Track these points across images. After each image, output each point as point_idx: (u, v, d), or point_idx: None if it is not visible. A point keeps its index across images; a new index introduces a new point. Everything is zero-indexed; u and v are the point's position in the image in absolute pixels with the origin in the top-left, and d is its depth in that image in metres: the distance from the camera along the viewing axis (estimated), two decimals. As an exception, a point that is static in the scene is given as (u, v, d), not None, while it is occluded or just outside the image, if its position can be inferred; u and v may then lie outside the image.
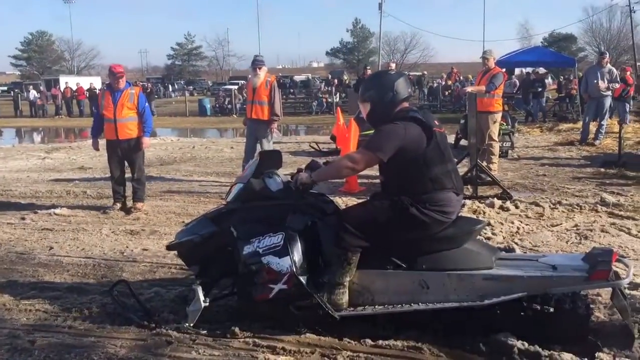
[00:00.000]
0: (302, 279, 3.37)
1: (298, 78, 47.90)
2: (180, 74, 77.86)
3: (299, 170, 3.59)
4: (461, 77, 30.09)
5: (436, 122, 3.45)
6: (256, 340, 3.34)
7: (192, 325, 3.53)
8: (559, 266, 3.24)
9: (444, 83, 29.31)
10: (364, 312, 3.40)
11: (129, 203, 7.21)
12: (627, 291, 3.62)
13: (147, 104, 7.20)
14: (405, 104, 3.48)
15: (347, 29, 71.04)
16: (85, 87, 33.16)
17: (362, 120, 6.24)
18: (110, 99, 6.89)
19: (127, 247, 5.52)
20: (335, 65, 72.15)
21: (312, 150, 12.34)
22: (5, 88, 53.03)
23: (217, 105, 30.93)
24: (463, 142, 10.80)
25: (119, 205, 7.18)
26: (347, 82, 32.91)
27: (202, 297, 3.54)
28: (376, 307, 3.40)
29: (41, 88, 36.35)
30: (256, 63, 8.35)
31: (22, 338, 3.46)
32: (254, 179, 3.67)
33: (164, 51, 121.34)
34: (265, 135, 8.29)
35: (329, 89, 31.36)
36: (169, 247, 3.95)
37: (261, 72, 8.24)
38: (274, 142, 9.04)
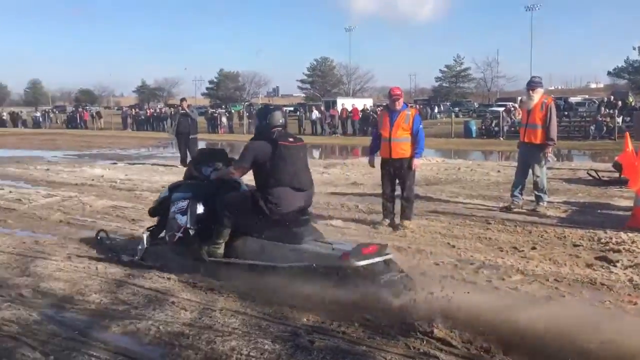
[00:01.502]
0: (191, 232, 5.28)
1: (573, 99, 44.43)
2: (447, 96, 78.59)
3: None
4: None
5: (291, 139, 5.11)
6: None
7: (138, 258, 5.66)
8: (335, 249, 4.57)
9: None
10: (227, 260, 5.09)
11: (397, 220, 7.46)
12: None
13: (421, 126, 7.39)
14: (278, 129, 5.10)
15: (634, 46, 63.26)
16: (359, 108, 35.63)
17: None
18: (387, 119, 7.27)
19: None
20: (618, 85, 65.03)
21: (591, 178, 11.25)
22: (292, 108, 59.90)
23: (483, 127, 30.38)
24: None
25: (387, 221, 7.47)
26: (632, 104, 29.42)
27: (145, 241, 5.70)
28: (237, 260, 5.04)
29: (322, 108, 40.09)
30: (532, 84, 7.98)
31: (303, 337, 3.77)
32: (195, 165, 5.76)
33: (432, 74, 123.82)
34: (539, 160, 7.85)
35: (611, 111, 28.35)
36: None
37: (535, 94, 7.86)
38: (547, 168, 8.50)
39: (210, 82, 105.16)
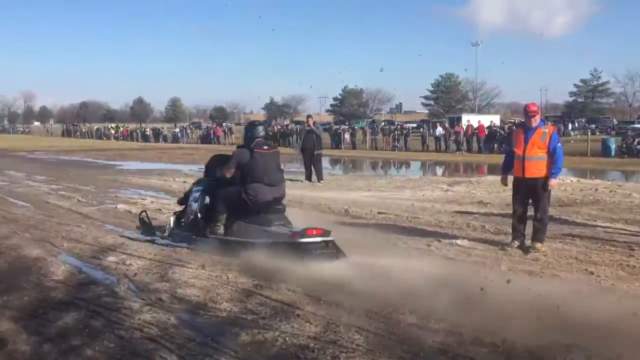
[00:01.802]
0: (199, 216, 7.07)
1: None
2: (582, 112, 73.87)
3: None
4: None
5: (265, 147, 6.81)
6: None
7: (167, 235, 7.40)
8: (290, 231, 6.22)
9: None
10: (225, 237, 6.73)
11: (528, 242, 7.08)
12: None
13: (559, 144, 6.98)
14: (258, 139, 6.84)
15: None
16: (486, 124, 34.50)
17: None
18: (522, 137, 6.95)
19: (528, 288, 5.36)
20: None
21: None
22: (415, 125, 59.41)
23: (624, 145, 28.14)
24: None
25: (517, 243, 7.11)
26: None
27: (172, 223, 7.49)
28: (229, 237, 6.70)
29: (446, 125, 39.34)
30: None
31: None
32: (208, 167, 7.63)
33: (564, 88, 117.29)
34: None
35: None
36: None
37: None
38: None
39: (335, 98, 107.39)
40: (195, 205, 7.18)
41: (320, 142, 15.99)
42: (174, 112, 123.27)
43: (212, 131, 54.39)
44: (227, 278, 5.73)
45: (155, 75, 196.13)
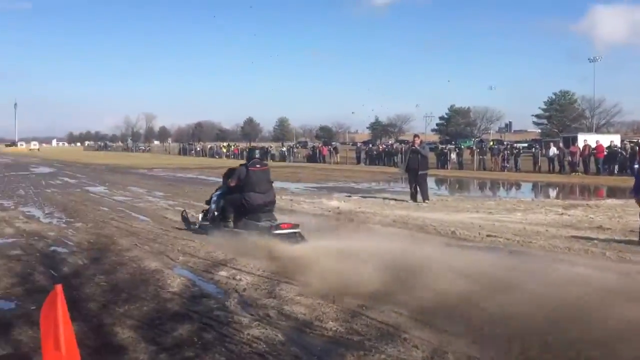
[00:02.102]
0: (216, 214, 9.70)
1: None
2: None
3: None
4: None
5: (258, 165, 9.28)
6: None
7: (198, 226, 10.19)
8: (271, 225, 8.58)
9: None
10: (233, 229, 9.16)
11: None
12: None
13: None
14: (254, 160, 9.41)
15: None
16: (605, 144, 32.38)
17: None
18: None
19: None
20: None
21: None
22: (526, 144, 56.93)
23: None
24: None
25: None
26: None
27: (200, 218, 10.26)
28: (237, 229, 9.12)
29: (560, 145, 37.36)
30: None
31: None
32: (224, 177, 10.08)
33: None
34: None
35: None
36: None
37: None
38: None
39: (441, 118, 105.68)
40: (214, 206, 9.86)
41: (425, 162, 15.74)
42: (282, 131, 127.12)
43: (317, 150, 55.32)
44: (333, 297, 5.76)
45: (264, 97, 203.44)
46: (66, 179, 26.80)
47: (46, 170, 35.69)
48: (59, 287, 2.88)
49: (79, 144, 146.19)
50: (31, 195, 18.33)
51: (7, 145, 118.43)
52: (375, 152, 48.38)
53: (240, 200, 9.04)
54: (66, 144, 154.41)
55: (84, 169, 36.22)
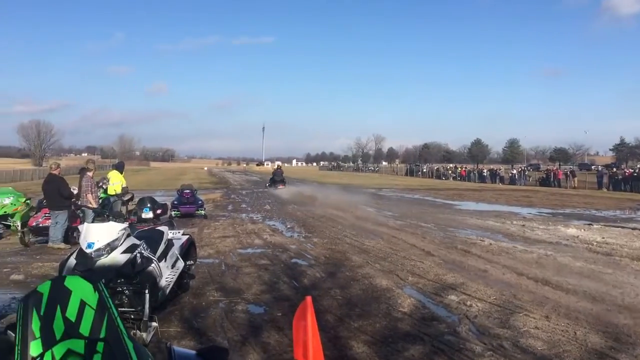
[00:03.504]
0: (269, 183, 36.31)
1: None
2: None
3: None
4: None
5: (276, 178, 33.65)
6: None
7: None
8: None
9: None
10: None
11: None
12: None
13: None
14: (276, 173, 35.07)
15: None
16: None
17: None
18: None
19: None
20: None
21: None
22: None
23: None
24: None
25: None
26: None
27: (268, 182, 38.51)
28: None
29: None
30: None
31: None
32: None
33: None
34: None
35: None
36: None
37: None
38: None
39: None
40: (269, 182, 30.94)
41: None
42: (511, 153, 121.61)
43: (552, 173, 51.68)
44: (575, 334, 5.30)
45: (493, 117, 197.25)
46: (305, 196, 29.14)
47: (287, 188, 39.24)
48: (309, 299, 3.12)
49: (314, 163, 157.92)
50: (275, 210, 20.28)
51: (257, 165, 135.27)
52: (620, 177, 43.48)
53: (272, 181, 21.52)
54: (304, 164, 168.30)
55: (319, 187, 38.93)
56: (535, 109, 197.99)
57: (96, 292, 1.78)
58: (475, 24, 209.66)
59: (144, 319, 4.98)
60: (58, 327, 1.67)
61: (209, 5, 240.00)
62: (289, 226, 15.06)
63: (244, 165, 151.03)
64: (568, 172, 50.50)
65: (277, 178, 33.37)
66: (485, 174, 60.15)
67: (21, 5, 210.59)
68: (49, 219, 11.79)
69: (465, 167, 71.50)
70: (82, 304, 1.73)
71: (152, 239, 6.42)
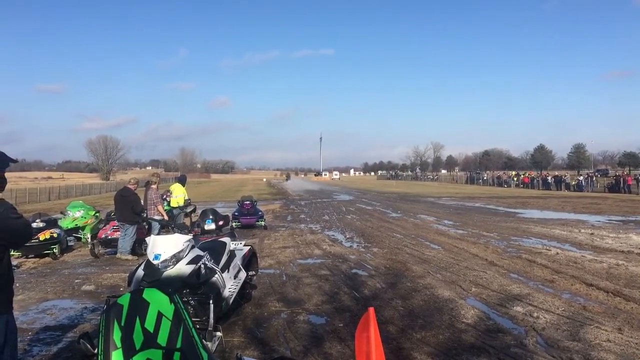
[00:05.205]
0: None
1: None
2: None
3: None
4: None
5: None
6: None
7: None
8: None
9: None
10: None
11: None
12: None
13: None
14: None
15: None
16: None
17: None
18: None
19: None
20: None
21: None
22: None
23: None
24: None
25: None
26: None
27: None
28: None
29: None
30: None
31: None
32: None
33: None
34: None
35: None
36: None
37: None
38: None
39: None
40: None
41: None
42: (577, 158, 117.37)
43: (621, 179, 49.51)
44: (650, 347, 5.07)
45: (557, 122, 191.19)
46: (363, 205, 29.03)
47: (346, 197, 39.19)
48: (371, 310, 3.14)
49: (372, 173, 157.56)
50: (334, 220, 20.34)
51: (315, 175, 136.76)
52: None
53: None
54: (361, 173, 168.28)
55: (378, 197, 38.73)
56: (602, 113, 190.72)
57: (172, 304, 1.87)
58: (537, 30, 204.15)
59: (209, 328, 5.10)
60: (138, 337, 1.76)
61: (270, 20, 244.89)
62: (348, 236, 15.07)
63: (302, 175, 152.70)
64: (639, 177, 48.23)
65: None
66: (549, 181, 58.23)
67: (92, 29, 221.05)
68: (118, 231, 12.27)
69: (529, 174, 69.46)
70: (160, 315, 1.81)
71: (215, 250, 6.59)
